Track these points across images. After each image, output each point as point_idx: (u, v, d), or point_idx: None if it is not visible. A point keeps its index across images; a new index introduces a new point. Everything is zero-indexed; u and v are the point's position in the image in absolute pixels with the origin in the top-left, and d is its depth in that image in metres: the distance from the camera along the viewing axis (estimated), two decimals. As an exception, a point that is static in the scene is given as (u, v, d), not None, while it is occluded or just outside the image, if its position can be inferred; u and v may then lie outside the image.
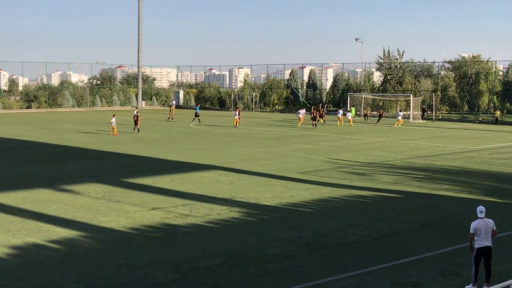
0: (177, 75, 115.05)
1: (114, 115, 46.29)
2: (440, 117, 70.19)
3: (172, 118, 61.35)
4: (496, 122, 62.60)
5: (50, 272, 12.96)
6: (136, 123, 46.68)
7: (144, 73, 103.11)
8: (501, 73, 78.97)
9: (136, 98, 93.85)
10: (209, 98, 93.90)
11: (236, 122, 54.30)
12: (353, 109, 67.07)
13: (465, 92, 72.11)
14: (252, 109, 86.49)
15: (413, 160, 32.03)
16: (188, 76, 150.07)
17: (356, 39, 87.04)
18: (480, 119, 68.35)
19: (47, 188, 22.87)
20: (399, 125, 56.71)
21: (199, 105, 67.56)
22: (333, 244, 15.59)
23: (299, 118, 56.96)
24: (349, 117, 57.93)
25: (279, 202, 20.76)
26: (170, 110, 64.34)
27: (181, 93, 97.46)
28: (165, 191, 22.45)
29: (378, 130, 51.89)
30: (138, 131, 46.34)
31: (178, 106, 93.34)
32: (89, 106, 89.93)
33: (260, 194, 22.10)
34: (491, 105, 71.25)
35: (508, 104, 69.76)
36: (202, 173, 26.90)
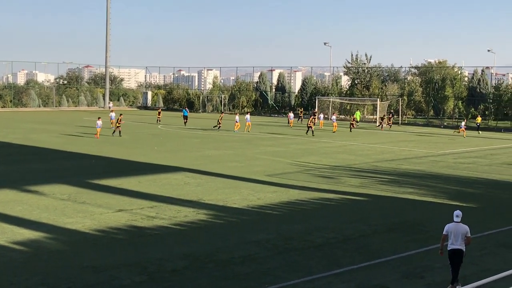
0: (145, 76, 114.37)
1: (99, 118, 44.53)
2: (406, 122, 71.08)
3: (159, 121, 59.42)
4: (478, 128, 61.96)
5: (13, 274, 12.76)
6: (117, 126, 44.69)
7: (112, 74, 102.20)
8: (466, 78, 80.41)
9: (104, 99, 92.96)
10: (177, 100, 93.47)
11: (238, 126, 52.12)
12: (357, 113, 66.93)
13: (431, 97, 73.19)
14: (221, 111, 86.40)
15: (379, 164, 32.39)
16: (156, 77, 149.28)
17: (325, 43, 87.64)
18: (445, 124, 69.40)
19: (12, 189, 22.49)
20: (462, 134, 52.85)
21: (186, 108, 65.44)
22: (300, 247, 15.67)
23: (247, 124, 53.40)
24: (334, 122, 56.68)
25: (246, 205, 20.78)
26: (158, 113, 61.52)
27: (149, 94, 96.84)
28: (132, 193, 22.28)
29: (345, 134, 52.28)
30: (113, 134, 44.46)
31: (145, 107, 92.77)
32: (55, 106, 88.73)
33: (227, 196, 22.10)
34: (456, 110, 72.46)
35: (473, 109, 70.99)
36: (170, 175, 26.78)
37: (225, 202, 21.10)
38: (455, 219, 12.61)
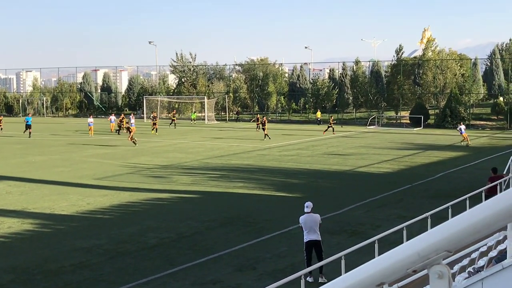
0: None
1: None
2: (233, 118, 72.92)
3: (1, 129, 52.71)
4: (318, 123, 63.48)
5: None
6: None
7: None
8: (286, 74, 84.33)
9: None
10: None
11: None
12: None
13: (255, 93, 75.77)
14: (44, 114, 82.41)
15: (209, 160, 32.91)
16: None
17: (150, 42, 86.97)
18: (270, 118, 72.19)
19: None
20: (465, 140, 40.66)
21: (30, 114, 56.10)
22: (133, 249, 15.49)
23: (90, 127, 50.20)
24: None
25: (75, 211, 20.09)
26: None
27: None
28: None
29: (174, 132, 52.39)
30: None
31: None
32: None
33: (55, 204, 21.19)
34: (279, 105, 75.70)
35: (294, 104, 74.62)
36: (-11, 185, 25.05)
37: (52, 210, 20.22)
38: (305, 210, 13.13)
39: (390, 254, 1.86)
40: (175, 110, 62.01)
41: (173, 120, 58.70)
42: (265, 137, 44.73)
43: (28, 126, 48.57)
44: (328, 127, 50.19)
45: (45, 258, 14.65)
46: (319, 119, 64.24)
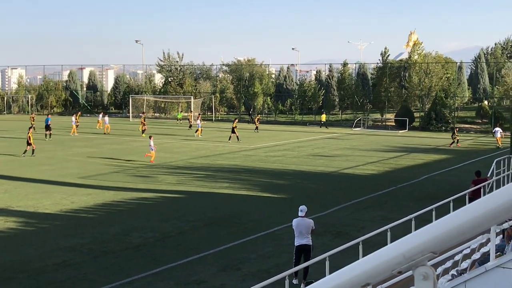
0: None
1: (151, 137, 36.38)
2: (219, 118, 72.83)
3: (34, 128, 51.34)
4: (321, 125, 62.06)
5: None
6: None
7: None
8: (273, 76, 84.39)
9: None
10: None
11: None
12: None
13: (242, 94, 75.74)
14: (28, 112, 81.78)
15: (195, 160, 32.84)
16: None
17: (136, 41, 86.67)
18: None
19: None
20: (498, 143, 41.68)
21: (49, 115, 52.68)
22: (117, 249, 15.41)
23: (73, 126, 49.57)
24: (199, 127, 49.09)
25: (59, 209, 19.96)
26: (32, 118, 53.45)
27: None
28: None
29: (159, 131, 52.12)
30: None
31: None
32: None
33: (38, 202, 21.04)
34: (265, 106, 75.72)
35: (280, 105, 74.66)
36: (-28, 183, 24.83)
37: (36, 208, 20.07)
38: (299, 213, 12.95)
39: (375, 255, 1.86)
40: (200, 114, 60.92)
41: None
42: (237, 139, 42.90)
43: (47, 127, 44.15)
44: (453, 138, 43.00)
45: (28, 257, 14.55)
46: (322, 122, 62.95)
